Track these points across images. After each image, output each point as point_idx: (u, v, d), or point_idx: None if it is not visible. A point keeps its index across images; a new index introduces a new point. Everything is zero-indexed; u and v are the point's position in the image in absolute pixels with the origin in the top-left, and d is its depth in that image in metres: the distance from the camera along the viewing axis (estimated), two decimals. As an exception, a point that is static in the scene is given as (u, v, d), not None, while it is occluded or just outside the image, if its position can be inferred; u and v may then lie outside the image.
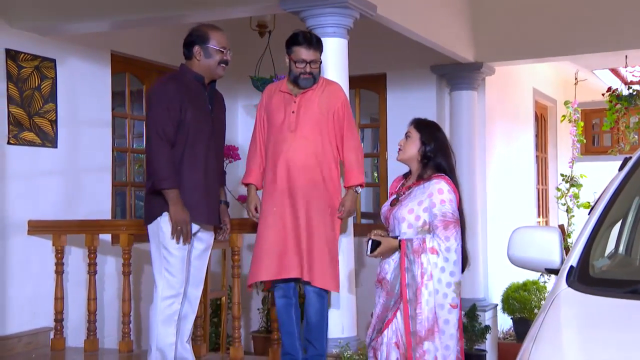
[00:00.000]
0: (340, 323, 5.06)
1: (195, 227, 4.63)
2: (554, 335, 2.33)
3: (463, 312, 4.96)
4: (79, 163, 6.59)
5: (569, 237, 9.13)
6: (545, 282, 8.84)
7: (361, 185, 4.85)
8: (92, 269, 5.89)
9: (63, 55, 6.43)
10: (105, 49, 6.85)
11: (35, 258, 6.17)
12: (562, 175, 9.82)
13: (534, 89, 10.04)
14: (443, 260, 4.05)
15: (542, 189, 10.64)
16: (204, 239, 4.74)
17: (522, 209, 9.54)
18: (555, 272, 3.05)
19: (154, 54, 7.37)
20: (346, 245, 5.15)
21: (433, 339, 4.00)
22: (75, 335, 6.33)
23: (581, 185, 9.61)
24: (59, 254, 5.97)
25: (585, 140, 10.13)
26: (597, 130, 11.52)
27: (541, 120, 10.69)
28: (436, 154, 4.26)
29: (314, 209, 4.71)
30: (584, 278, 2.68)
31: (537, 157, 10.26)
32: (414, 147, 4.27)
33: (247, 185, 4.96)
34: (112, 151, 6.98)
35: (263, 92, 5.01)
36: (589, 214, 3.12)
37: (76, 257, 6.46)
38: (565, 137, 11.12)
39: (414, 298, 4.04)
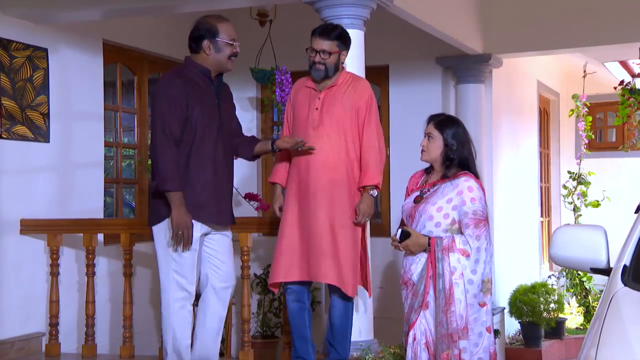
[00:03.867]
0: (357, 326, 5.25)
1: (205, 228, 4.77)
2: (620, 335, 2.48)
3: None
4: (71, 159, 6.72)
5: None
6: (553, 284, 9.10)
7: (377, 187, 4.99)
8: (90, 270, 6.03)
9: (55, 44, 6.56)
10: (98, 38, 6.99)
11: (27, 259, 6.30)
12: (569, 172, 10.06)
13: (538, 81, 10.29)
14: (474, 262, 4.32)
15: (545, 187, 10.90)
16: (224, 232, 4.89)
17: (527, 208, 9.78)
18: (601, 271, 3.26)
19: (147, 43, 7.52)
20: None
21: (467, 337, 4.25)
22: (66, 340, 6.44)
23: (589, 183, 9.86)
24: (54, 255, 6.10)
25: (593, 136, 10.40)
26: (602, 125, 11.78)
27: (544, 115, 10.94)
28: (459, 152, 4.51)
29: (334, 208, 4.88)
30: (639, 277, 2.88)
31: (540, 153, 10.51)
32: (437, 148, 4.52)
33: (273, 184, 5.15)
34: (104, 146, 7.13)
35: (292, 87, 5.20)
36: (635, 212, 3.34)
37: (68, 258, 6.57)
38: (568, 133, 11.39)
39: (447, 297, 4.27)
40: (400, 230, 4.41)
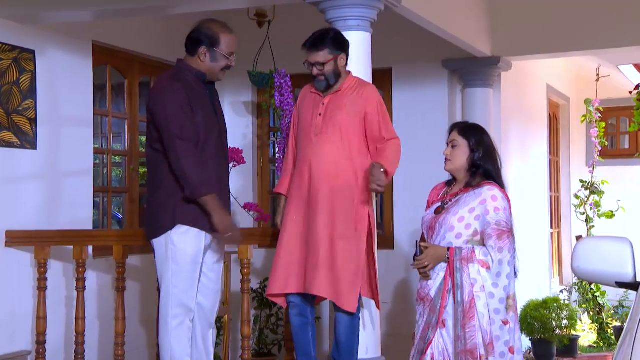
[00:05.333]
0: (363, 343, 5.30)
1: (209, 238, 4.85)
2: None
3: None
4: (59, 166, 6.76)
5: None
6: (565, 299, 9.15)
7: (386, 173, 4.91)
8: (81, 284, 6.05)
9: (42, 46, 6.60)
10: (87, 40, 7.03)
11: (13, 273, 6.32)
12: (581, 181, 10.13)
13: (548, 85, 10.36)
14: (495, 275, 4.35)
15: (554, 196, 10.96)
16: (215, 248, 4.96)
17: (536, 219, 9.83)
18: (628, 285, 3.31)
19: (139, 45, 7.57)
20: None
21: (494, 354, 4.29)
22: (53, 359, 6.46)
23: (603, 193, 9.93)
24: (42, 268, 6.11)
25: (607, 143, 10.48)
26: (614, 131, 11.84)
27: (553, 120, 11.00)
28: (485, 161, 4.57)
29: (335, 218, 4.96)
30: (668, 291, 2.94)
31: (549, 160, 10.57)
32: (462, 156, 4.58)
33: (278, 195, 5.23)
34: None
35: (300, 93, 5.28)
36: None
37: (55, 272, 6.58)
38: (579, 139, 11.46)
39: (465, 311, 4.31)
40: (417, 243, 4.45)
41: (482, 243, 4.42)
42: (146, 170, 5.20)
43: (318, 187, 4.98)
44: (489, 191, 4.48)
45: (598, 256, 3.42)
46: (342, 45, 5.08)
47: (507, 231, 4.42)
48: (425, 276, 4.49)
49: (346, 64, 5.11)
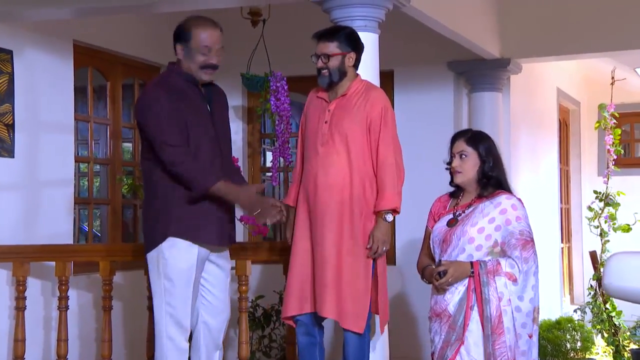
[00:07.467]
0: (372, 365, 5.38)
1: (204, 252, 4.91)
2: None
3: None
4: (38, 176, 6.82)
5: (603, 267, 9.49)
6: (579, 319, 9.23)
7: (395, 211, 5.13)
8: (63, 303, 6.07)
9: (20, 46, 6.67)
10: (68, 39, 7.10)
11: (-12, 291, 6.37)
12: (595, 192, 10.19)
13: (558, 89, 10.46)
14: (522, 288, 4.48)
15: (565, 208, 11.05)
16: (219, 264, 5.03)
17: (546, 233, 9.91)
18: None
19: (121, 45, 7.64)
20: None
21: None
22: (30, 385, 6.51)
23: (619, 205, 9.98)
24: (21, 286, 6.13)
25: (623, 151, 10.55)
26: (628, 138, 11.92)
27: (563, 126, 11.09)
28: (495, 170, 4.70)
29: (342, 233, 5.04)
30: None
31: (559, 169, 10.67)
32: (474, 167, 4.69)
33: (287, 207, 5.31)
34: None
35: (307, 97, 5.36)
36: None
37: (33, 290, 6.60)
38: (590, 147, 11.54)
39: (494, 327, 4.41)
40: (441, 273, 4.53)
41: (502, 254, 4.53)
42: (140, 182, 5.24)
43: (325, 200, 5.06)
44: (507, 200, 4.62)
45: (632, 273, 3.49)
46: (354, 44, 5.17)
47: (531, 240, 4.57)
48: (442, 290, 4.58)
49: (356, 66, 5.18)
